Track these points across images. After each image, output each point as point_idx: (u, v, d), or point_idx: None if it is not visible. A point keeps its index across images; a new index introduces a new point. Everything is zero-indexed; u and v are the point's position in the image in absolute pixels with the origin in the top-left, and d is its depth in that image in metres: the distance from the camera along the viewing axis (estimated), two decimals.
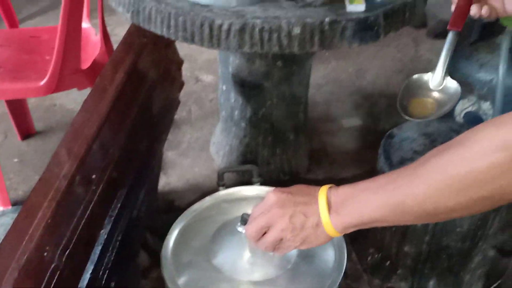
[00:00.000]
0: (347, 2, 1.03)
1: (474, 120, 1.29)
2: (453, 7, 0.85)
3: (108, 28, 1.58)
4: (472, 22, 1.34)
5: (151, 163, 1.12)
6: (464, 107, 1.30)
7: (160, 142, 1.20)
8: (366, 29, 1.02)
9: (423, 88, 0.87)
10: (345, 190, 0.65)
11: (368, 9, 1.03)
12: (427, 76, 0.88)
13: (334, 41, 1.02)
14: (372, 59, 2.08)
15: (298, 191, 0.69)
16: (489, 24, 1.29)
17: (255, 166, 0.96)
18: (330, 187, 0.67)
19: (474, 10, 0.83)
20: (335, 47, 1.05)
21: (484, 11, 0.82)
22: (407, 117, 0.87)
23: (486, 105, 1.27)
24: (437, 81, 0.85)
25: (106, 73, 1.00)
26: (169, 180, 1.59)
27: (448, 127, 1.14)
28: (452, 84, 0.86)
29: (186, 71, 1.98)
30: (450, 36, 0.84)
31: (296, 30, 1.00)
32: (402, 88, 0.90)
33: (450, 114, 1.33)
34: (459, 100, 0.88)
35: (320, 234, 0.66)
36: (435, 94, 0.86)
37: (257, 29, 1.00)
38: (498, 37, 1.28)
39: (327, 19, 1.00)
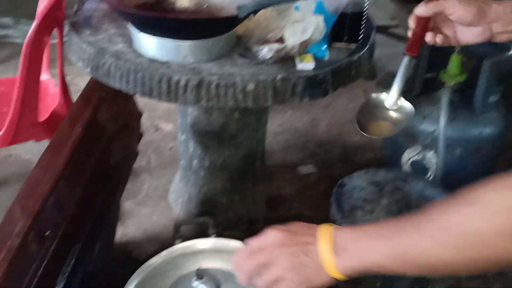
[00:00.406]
0: (297, 61, 1.10)
1: (419, 168, 1.37)
2: (409, 33, 0.88)
3: (68, 78, 1.59)
4: (415, 77, 1.44)
5: (107, 216, 1.12)
6: (410, 156, 1.37)
7: (117, 194, 1.20)
8: (315, 86, 1.09)
9: (380, 106, 0.91)
10: (349, 233, 0.65)
11: (317, 67, 1.10)
12: (383, 96, 0.91)
13: (286, 97, 1.08)
14: (326, 109, 2.18)
15: (298, 229, 0.69)
16: (430, 79, 1.40)
17: (210, 218, 0.98)
18: (332, 227, 0.67)
19: (429, 37, 0.86)
20: (287, 102, 1.10)
21: (438, 39, 0.86)
22: (365, 134, 0.91)
23: (430, 154, 1.35)
24: (392, 101, 0.89)
25: (64, 128, 1.01)
26: (127, 230, 1.57)
27: (395, 176, 1.20)
28: (406, 104, 0.90)
29: (145, 120, 2.00)
30: (405, 60, 0.88)
31: (250, 86, 1.05)
32: (361, 106, 0.93)
33: (397, 163, 1.40)
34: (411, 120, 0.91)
35: (321, 275, 0.65)
36: (391, 113, 0.90)
37: (213, 85, 1.04)
38: (439, 91, 1.38)
39: (279, 76, 1.06)
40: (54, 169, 0.89)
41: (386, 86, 2.30)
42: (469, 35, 0.85)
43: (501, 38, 0.84)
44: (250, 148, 1.54)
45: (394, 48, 2.32)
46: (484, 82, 1.34)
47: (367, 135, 0.90)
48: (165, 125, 2.11)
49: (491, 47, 1.46)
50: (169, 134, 2.05)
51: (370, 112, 0.91)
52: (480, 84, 1.34)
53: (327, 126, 2.11)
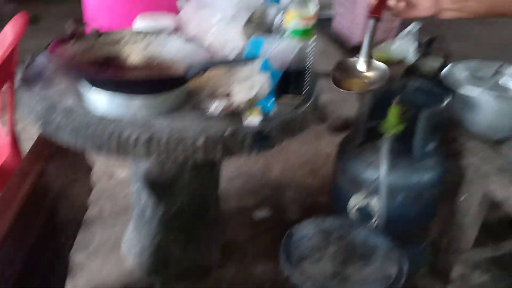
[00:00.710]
0: (245, 115, 1.15)
1: (365, 215, 1.43)
2: None
3: (20, 126, 1.57)
4: (358, 126, 1.52)
5: (56, 272, 1.10)
6: (355, 203, 1.43)
7: (66, 249, 1.19)
8: (263, 139, 1.13)
9: (354, 68, 0.95)
10: None
11: (264, 120, 1.15)
12: (355, 59, 0.96)
13: (235, 150, 1.12)
14: (279, 153, 2.24)
15: None
16: (372, 128, 1.47)
17: (157, 280, 0.99)
18: None
19: (393, 1, 0.93)
20: (237, 155, 1.14)
21: (401, 4, 0.93)
22: (340, 90, 0.94)
23: (374, 201, 1.41)
24: (363, 63, 0.94)
25: (12, 184, 1.01)
26: (77, 284, 1.53)
27: (341, 223, 1.25)
28: (379, 64, 0.94)
29: (99, 167, 1.99)
30: (371, 22, 0.94)
31: (200, 141, 1.08)
32: (336, 64, 0.97)
33: (345, 210, 1.45)
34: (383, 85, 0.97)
35: None
36: (365, 73, 0.94)
37: (163, 140, 1.07)
38: (380, 140, 1.45)
39: (228, 131, 1.09)
40: (1, 228, 0.89)
41: (335, 129, 2.38)
42: (421, 9, 0.92)
43: (447, 15, 0.92)
44: (204, 197, 1.56)
45: (343, 93, 2.42)
46: (421, 131, 1.42)
47: (341, 90, 0.94)
48: (119, 172, 2.10)
49: (428, 98, 1.57)
50: (124, 181, 2.04)
51: (345, 70, 0.95)
52: (418, 133, 1.42)
53: (281, 169, 2.17)
